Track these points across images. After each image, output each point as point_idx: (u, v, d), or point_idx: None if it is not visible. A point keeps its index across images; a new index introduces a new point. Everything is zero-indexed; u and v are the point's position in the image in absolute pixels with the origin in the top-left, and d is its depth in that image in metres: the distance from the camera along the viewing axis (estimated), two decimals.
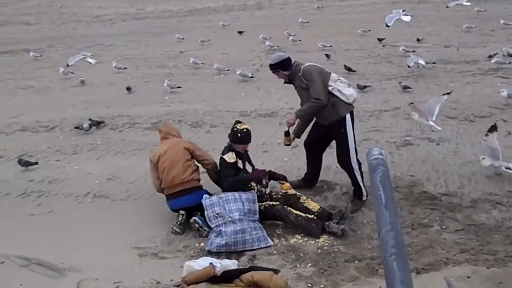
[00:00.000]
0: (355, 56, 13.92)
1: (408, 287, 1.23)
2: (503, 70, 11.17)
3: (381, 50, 14.48)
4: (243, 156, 5.85)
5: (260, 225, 5.43)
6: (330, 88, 5.72)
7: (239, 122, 5.87)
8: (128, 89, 11.07)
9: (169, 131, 6.22)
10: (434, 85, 10.71)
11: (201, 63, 13.17)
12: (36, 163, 7.36)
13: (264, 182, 5.70)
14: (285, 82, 6.15)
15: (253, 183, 5.74)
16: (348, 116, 5.81)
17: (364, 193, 5.88)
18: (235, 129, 5.74)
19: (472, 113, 8.70)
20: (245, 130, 5.71)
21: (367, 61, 13.31)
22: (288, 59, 5.92)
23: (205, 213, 5.46)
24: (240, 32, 17.83)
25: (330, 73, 5.88)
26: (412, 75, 11.44)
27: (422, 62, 11.29)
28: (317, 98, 5.66)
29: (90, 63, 12.38)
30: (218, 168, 5.87)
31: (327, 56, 13.09)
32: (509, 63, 11.60)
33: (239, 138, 5.72)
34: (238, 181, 5.66)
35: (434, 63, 12.32)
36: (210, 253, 5.16)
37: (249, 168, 5.89)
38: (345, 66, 12.01)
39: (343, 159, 5.90)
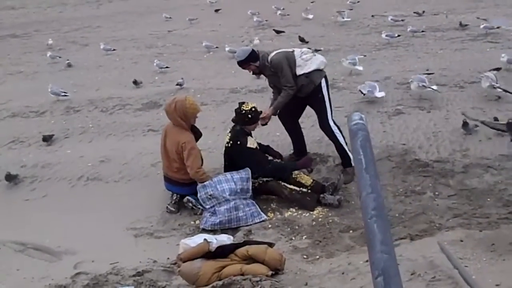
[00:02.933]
0: (344, 27, 13.83)
1: (389, 248, 1.24)
2: (492, 35, 11.14)
3: (370, 20, 14.39)
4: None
5: (253, 201, 5.45)
6: (300, 67, 5.81)
7: (243, 103, 5.79)
8: (135, 83, 10.02)
9: (170, 116, 5.66)
10: (423, 53, 10.68)
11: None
12: (16, 176, 6.62)
13: (310, 169, 5.98)
14: (253, 73, 6.20)
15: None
16: (323, 81, 5.91)
17: (351, 156, 5.92)
18: (243, 111, 5.63)
19: (462, 79, 8.68)
20: (253, 109, 5.67)
21: (356, 32, 13.24)
22: (253, 51, 5.96)
23: (198, 195, 5.47)
24: (216, 10, 17.82)
25: (293, 51, 5.96)
26: (402, 44, 11.39)
27: (433, 86, 7.94)
28: (290, 85, 5.79)
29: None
30: (236, 157, 5.67)
31: (302, 39, 12.25)
32: (498, 27, 11.55)
33: (251, 119, 5.67)
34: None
35: (423, 31, 12.27)
36: (204, 230, 5.19)
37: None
38: (299, 37, 12.27)
39: (324, 123, 6.00)
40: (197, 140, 5.75)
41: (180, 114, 5.51)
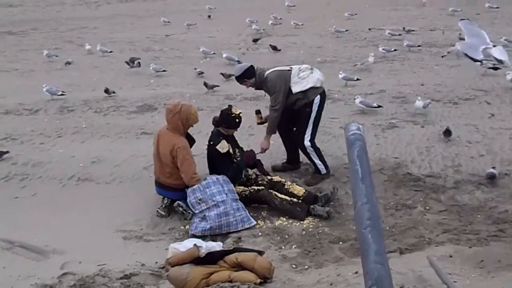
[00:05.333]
0: (342, 40, 13.90)
1: (383, 258, 1.23)
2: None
3: (367, 34, 14.47)
4: (231, 139, 5.83)
5: (242, 205, 5.45)
6: (296, 85, 5.91)
7: (232, 106, 5.83)
8: (107, 91, 9.60)
9: (171, 117, 5.59)
10: (419, 68, 10.75)
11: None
12: (7, 152, 7.06)
13: (252, 162, 5.85)
14: (256, 89, 6.31)
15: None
16: (317, 98, 5.97)
17: (322, 168, 6.14)
18: (233, 114, 5.66)
19: (457, 96, 8.74)
20: (240, 114, 5.72)
21: (353, 44, 13.31)
22: (251, 67, 6.08)
23: (188, 199, 5.45)
24: (209, 16, 17.93)
25: (290, 70, 6.04)
26: (398, 58, 11.46)
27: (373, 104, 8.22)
28: (275, 107, 5.93)
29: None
30: (211, 158, 5.75)
31: (274, 48, 12.42)
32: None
33: (236, 124, 5.73)
34: (236, 172, 5.71)
35: (419, 46, 12.36)
36: (194, 236, 5.16)
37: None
38: (270, 45, 12.47)
39: (298, 136, 6.11)
40: (190, 146, 5.75)
41: (183, 118, 5.52)
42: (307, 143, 6.04)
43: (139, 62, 11.13)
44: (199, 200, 5.37)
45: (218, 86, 9.68)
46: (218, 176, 5.56)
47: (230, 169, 5.66)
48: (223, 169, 5.64)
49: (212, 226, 5.22)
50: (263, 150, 6.17)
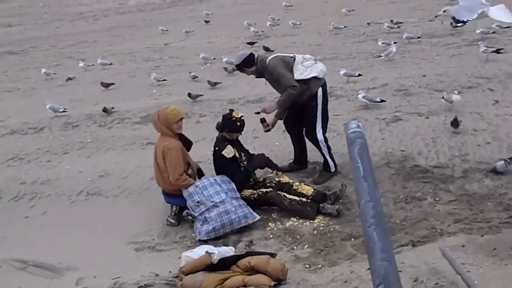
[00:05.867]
0: (340, 36, 13.89)
1: (389, 255, 1.23)
2: (488, 40, 11.17)
3: (365, 28, 14.45)
4: (236, 143, 5.83)
5: (244, 202, 5.45)
6: (298, 72, 5.85)
7: (233, 110, 5.82)
8: (105, 110, 9.46)
9: (156, 127, 5.78)
10: (420, 59, 10.72)
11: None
12: None
13: (264, 165, 5.88)
14: (257, 77, 6.25)
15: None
16: (320, 90, 5.95)
17: (331, 165, 6.13)
18: (234, 118, 5.65)
19: (459, 85, 8.71)
20: (242, 117, 5.69)
21: (353, 40, 13.30)
22: (251, 55, 6.03)
23: (187, 203, 5.46)
24: (206, 22, 17.96)
25: (294, 57, 6.00)
26: (399, 51, 11.43)
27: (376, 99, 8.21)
28: (292, 85, 5.81)
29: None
30: (218, 164, 5.73)
31: (267, 49, 12.26)
32: (493, 32, 11.61)
33: (239, 127, 5.70)
34: (245, 176, 5.70)
35: (419, 37, 12.33)
36: (200, 242, 5.17)
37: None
38: (264, 46, 12.49)
39: (309, 131, 6.08)
40: (189, 149, 5.78)
41: (163, 122, 5.58)
42: (320, 136, 6.02)
43: (113, 83, 10.81)
44: (197, 202, 5.37)
45: (202, 95, 9.72)
46: (215, 177, 5.57)
47: (237, 173, 5.67)
48: (231, 174, 5.64)
49: (214, 226, 5.21)
50: (264, 111, 6.14)
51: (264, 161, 5.84)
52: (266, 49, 12.30)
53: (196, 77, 11.00)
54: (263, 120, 6.20)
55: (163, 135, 5.64)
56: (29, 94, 11.65)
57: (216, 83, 10.16)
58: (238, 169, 5.69)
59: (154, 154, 5.68)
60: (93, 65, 13.10)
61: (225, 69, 10.43)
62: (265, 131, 6.29)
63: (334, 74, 9.62)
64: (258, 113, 6.28)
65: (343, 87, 9.32)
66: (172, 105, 5.83)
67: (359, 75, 9.55)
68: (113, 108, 9.55)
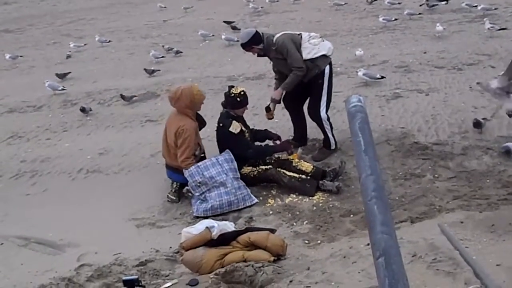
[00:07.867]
0: (341, 13, 13.76)
1: (389, 228, 1.24)
2: (489, 17, 11.07)
3: (366, 4, 14.31)
4: (240, 119, 5.81)
5: (243, 183, 5.48)
6: (306, 51, 5.81)
7: (232, 86, 5.79)
8: (83, 110, 8.30)
9: (176, 104, 5.64)
10: (421, 36, 10.64)
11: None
12: None
13: (289, 152, 5.88)
14: (258, 56, 6.19)
15: None
16: (327, 68, 5.92)
17: (332, 142, 6.14)
18: (232, 94, 5.62)
19: (460, 61, 8.66)
20: (242, 92, 5.66)
21: (353, 16, 13.18)
22: (257, 33, 5.93)
23: (188, 183, 5.50)
24: None
25: (301, 34, 5.94)
26: (399, 28, 11.35)
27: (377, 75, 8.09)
28: (299, 66, 5.77)
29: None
30: (223, 140, 5.72)
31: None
32: (495, 9, 11.51)
33: (239, 102, 5.66)
34: (261, 154, 5.75)
35: (420, 14, 12.22)
36: (199, 217, 5.20)
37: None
38: (224, 21, 12.48)
39: (314, 110, 6.06)
40: (200, 129, 5.79)
41: (187, 102, 5.54)
42: (323, 115, 6.00)
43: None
44: (199, 183, 5.41)
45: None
46: (217, 157, 5.58)
47: (253, 148, 5.69)
48: (240, 148, 5.61)
49: (213, 205, 5.27)
50: (273, 101, 6.12)
51: (289, 149, 5.87)
52: (228, 22, 12.24)
53: (171, 48, 11.32)
54: (268, 109, 6.17)
55: (180, 113, 5.60)
56: (27, 72, 11.58)
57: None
58: (247, 141, 5.69)
59: (165, 131, 5.68)
60: (85, 45, 12.91)
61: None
62: (269, 119, 6.27)
63: (335, 52, 9.56)
64: (268, 106, 6.19)
65: (343, 64, 9.27)
66: (194, 84, 5.81)
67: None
68: (90, 109, 8.42)
